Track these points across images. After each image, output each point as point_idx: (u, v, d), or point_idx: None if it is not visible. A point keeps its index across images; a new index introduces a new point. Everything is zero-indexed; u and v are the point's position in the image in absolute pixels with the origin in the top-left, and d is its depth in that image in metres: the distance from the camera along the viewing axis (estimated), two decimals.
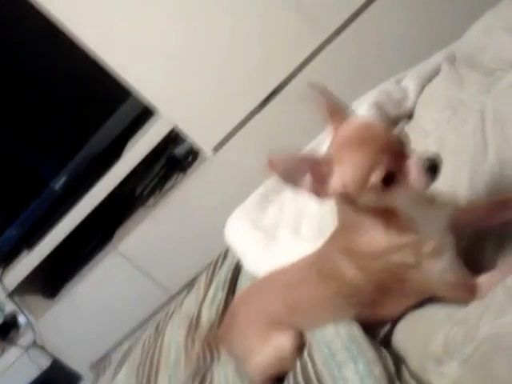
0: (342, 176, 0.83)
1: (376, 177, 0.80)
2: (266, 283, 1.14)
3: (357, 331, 0.97)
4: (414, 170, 0.81)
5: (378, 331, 1.01)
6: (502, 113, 1.03)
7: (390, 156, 0.81)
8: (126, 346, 1.90)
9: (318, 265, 1.00)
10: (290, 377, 1.02)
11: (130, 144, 2.34)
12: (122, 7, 1.95)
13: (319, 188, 0.84)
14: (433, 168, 0.81)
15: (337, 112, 0.89)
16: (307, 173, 0.83)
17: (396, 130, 0.88)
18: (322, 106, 0.89)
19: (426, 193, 0.89)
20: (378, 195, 0.83)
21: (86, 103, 2.32)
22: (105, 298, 2.51)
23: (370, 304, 0.97)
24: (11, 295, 2.51)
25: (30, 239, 2.45)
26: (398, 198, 0.85)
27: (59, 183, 2.47)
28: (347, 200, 0.86)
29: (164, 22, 1.96)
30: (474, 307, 0.88)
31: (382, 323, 1.01)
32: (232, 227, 1.50)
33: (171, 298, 2.42)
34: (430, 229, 0.88)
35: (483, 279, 0.88)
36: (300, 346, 1.02)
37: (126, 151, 2.33)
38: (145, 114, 2.26)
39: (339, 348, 0.96)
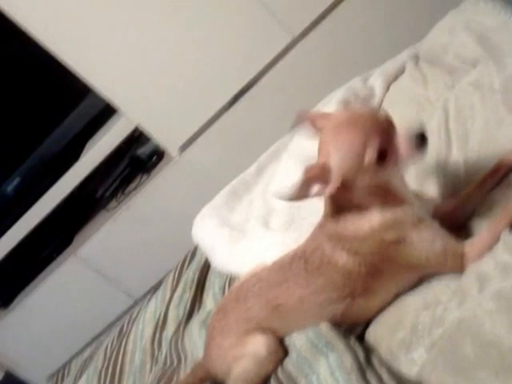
0: (338, 164, 0.91)
1: (370, 154, 0.88)
2: (242, 290, 1.13)
3: (324, 327, 1.01)
4: (403, 143, 0.90)
5: (351, 332, 1.04)
6: (463, 109, 1.12)
7: (380, 134, 0.89)
8: (86, 354, 1.90)
9: (304, 258, 1.02)
10: None
11: (89, 144, 2.34)
12: (83, 4, 1.96)
13: (327, 189, 0.91)
14: (421, 140, 0.90)
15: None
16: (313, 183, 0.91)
17: (382, 112, 0.95)
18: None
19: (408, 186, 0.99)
20: (374, 173, 0.90)
21: (42, 100, 2.29)
22: (63, 306, 2.49)
23: (362, 292, 1.00)
24: None
25: None
26: (393, 175, 0.93)
27: (12, 185, 2.44)
28: (346, 189, 0.92)
29: (128, 19, 1.98)
30: (443, 291, 0.94)
31: (357, 324, 1.05)
32: (200, 225, 1.54)
33: (135, 304, 2.42)
34: (418, 206, 0.97)
35: (469, 245, 0.94)
36: (275, 349, 1.05)
37: (85, 151, 2.32)
38: (106, 112, 2.26)
39: (305, 345, 1.01)
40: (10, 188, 2.44)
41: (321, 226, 1.02)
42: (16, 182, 2.43)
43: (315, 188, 0.91)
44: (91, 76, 2.05)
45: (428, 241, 0.95)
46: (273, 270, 1.09)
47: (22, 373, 2.59)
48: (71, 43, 2.00)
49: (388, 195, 0.96)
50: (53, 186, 2.31)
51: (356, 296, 1.01)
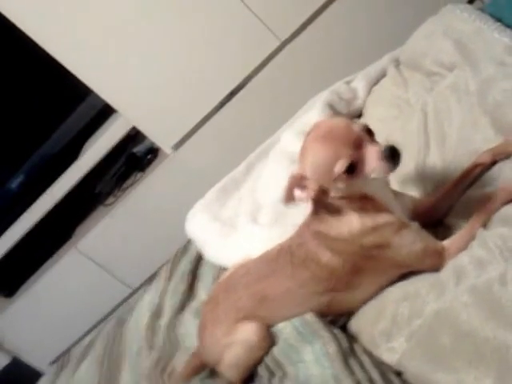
0: (312, 174, 0.92)
1: (339, 167, 0.88)
2: (231, 281, 1.13)
3: (309, 317, 1.00)
4: (372, 158, 0.88)
5: (335, 322, 1.04)
6: (441, 111, 1.11)
7: (352, 147, 0.88)
8: (87, 341, 1.88)
9: (290, 252, 1.01)
10: (257, 373, 1.05)
11: (88, 143, 2.31)
12: (81, 7, 1.92)
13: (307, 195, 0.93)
14: (392, 156, 0.88)
15: None
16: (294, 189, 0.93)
17: (359, 122, 0.94)
18: None
19: (388, 186, 0.98)
20: (344, 184, 0.90)
21: (45, 101, 2.27)
22: (65, 295, 2.46)
23: (345, 286, 0.99)
24: None
25: None
26: (364, 185, 0.92)
27: (16, 182, 2.41)
28: (324, 194, 0.93)
29: (123, 21, 1.95)
30: (422, 284, 0.93)
31: (341, 316, 1.04)
32: (192, 220, 1.52)
33: (132, 294, 2.40)
34: (396, 211, 0.96)
35: (448, 242, 0.94)
36: (264, 336, 1.04)
37: (84, 150, 2.29)
38: (104, 112, 2.23)
39: (291, 334, 1.00)
40: (14, 185, 2.41)
41: (306, 224, 1.01)
42: (20, 179, 2.40)
43: (297, 193, 0.93)
44: (90, 79, 2.02)
45: (409, 244, 0.94)
46: (260, 263, 1.08)
47: (27, 358, 2.57)
48: (72, 49, 1.97)
49: (367, 202, 0.95)
50: (54, 182, 2.28)
51: (340, 290, 1.00)
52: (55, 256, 2.46)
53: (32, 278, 2.49)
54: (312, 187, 0.92)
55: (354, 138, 0.89)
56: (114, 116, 2.23)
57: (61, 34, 1.95)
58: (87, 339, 1.89)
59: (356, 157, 0.88)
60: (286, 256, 1.02)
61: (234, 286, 1.09)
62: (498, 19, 1.12)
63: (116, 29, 1.95)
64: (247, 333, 1.03)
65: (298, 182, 0.93)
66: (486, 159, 0.98)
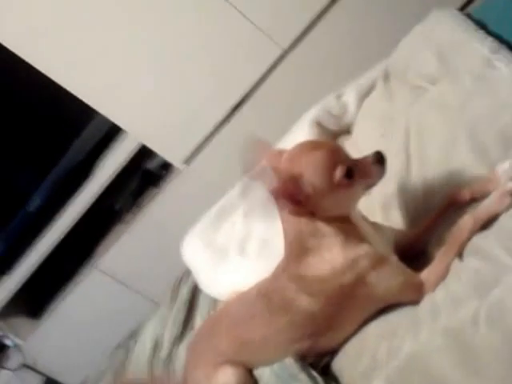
0: (310, 181, 0.89)
1: (340, 172, 0.89)
2: (215, 322, 1.13)
3: (287, 360, 0.99)
4: (366, 163, 0.92)
5: (318, 362, 1.02)
6: (422, 128, 1.08)
7: (345, 156, 0.92)
8: (102, 367, 1.93)
9: (267, 298, 1.00)
10: None
11: (99, 163, 2.35)
12: (85, 29, 1.96)
13: (296, 206, 0.90)
14: (380, 159, 0.92)
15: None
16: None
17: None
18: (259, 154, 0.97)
19: (365, 219, 0.97)
20: (343, 190, 0.90)
21: (55, 124, 2.31)
22: (90, 314, 2.52)
23: (325, 330, 0.98)
24: None
25: (8, 263, 2.43)
26: (356, 198, 0.94)
27: (34, 205, 2.45)
28: (314, 210, 0.91)
29: (127, 39, 1.97)
30: (400, 322, 0.91)
31: (323, 356, 1.03)
32: (186, 247, 1.52)
33: (156, 307, 2.45)
34: (375, 243, 0.95)
35: (425, 275, 0.92)
36: (245, 381, 1.03)
37: (95, 170, 2.33)
38: (113, 131, 2.26)
39: (270, 378, 1.00)
40: (32, 207, 2.44)
41: (282, 268, 0.99)
42: (37, 201, 2.43)
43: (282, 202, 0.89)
44: (95, 100, 2.05)
45: (387, 279, 0.92)
46: (240, 305, 1.07)
47: (60, 379, 2.66)
48: (74, 71, 2.02)
49: (351, 227, 0.94)
50: (68, 204, 2.33)
51: (320, 334, 0.99)
52: (78, 275, 2.53)
53: (57, 299, 2.56)
54: (307, 190, 0.89)
55: (343, 150, 0.93)
56: (123, 135, 2.26)
57: (64, 58, 1.99)
58: (103, 365, 1.93)
59: (351, 164, 0.90)
60: (263, 301, 1.01)
61: (216, 327, 1.10)
62: (483, 25, 1.07)
63: (120, 47, 1.97)
64: (227, 378, 1.03)
65: (292, 183, 0.89)
66: (465, 197, 0.95)
